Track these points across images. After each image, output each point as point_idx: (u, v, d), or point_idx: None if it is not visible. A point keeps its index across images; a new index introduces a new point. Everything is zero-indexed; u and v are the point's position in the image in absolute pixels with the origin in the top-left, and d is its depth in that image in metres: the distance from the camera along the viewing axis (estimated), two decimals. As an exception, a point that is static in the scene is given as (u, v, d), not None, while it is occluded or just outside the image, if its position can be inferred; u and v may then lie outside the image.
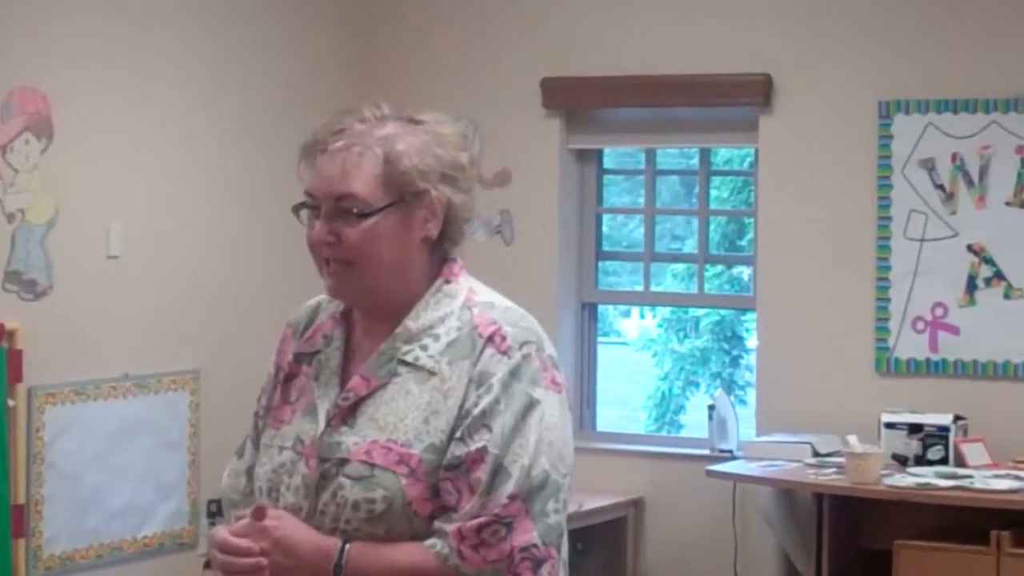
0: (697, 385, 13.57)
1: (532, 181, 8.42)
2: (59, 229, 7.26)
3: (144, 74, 7.67)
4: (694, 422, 11.65)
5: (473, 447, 2.99)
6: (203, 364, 7.91)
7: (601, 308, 9.25)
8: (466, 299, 3.15)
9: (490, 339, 3.07)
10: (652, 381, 13.94)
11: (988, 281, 7.64)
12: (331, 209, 3.09)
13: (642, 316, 14.71)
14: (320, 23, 8.75)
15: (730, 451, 7.88)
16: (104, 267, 7.47)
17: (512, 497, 2.97)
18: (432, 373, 3.07)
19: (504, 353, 3.05)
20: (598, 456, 8.32)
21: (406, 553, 3.00)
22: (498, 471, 2.98)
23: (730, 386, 10.18)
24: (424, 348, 3.09)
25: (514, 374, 3.04)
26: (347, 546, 3.02)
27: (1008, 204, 7.58)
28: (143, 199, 7.74)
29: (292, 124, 7.57)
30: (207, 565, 7.94)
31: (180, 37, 7.90)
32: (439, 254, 3.17)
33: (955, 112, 7.64)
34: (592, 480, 7.90)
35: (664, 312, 13.82)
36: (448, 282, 3.16)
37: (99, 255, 7.45)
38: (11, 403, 6.92)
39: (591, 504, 7.92)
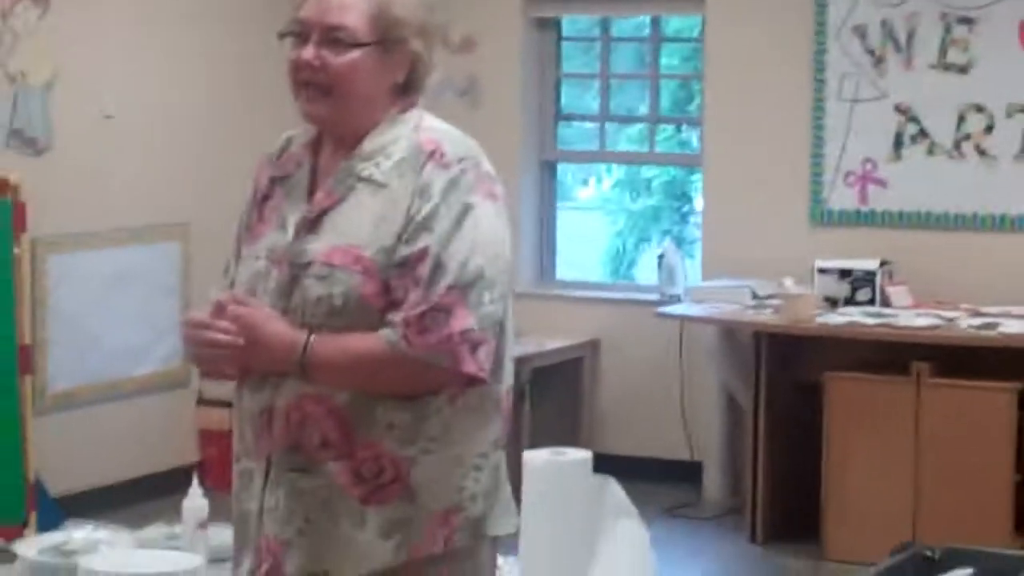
0: (649, 241, 13.11)
1: (496, 48, 8.40)
2: (57, 90, 7.39)
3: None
4: (645, 275, 11.47)
5: (416, 247, 3.07)
6: (193, 216, 8.00)
7: (561, 175, 9.37)
8: (416, 124, 3.21)
9: (431, 155, 3.14)
10: (608, 241, 13.73)
11: (913, 139, 7.85)
12: (321, 37, 3.14)
13: (599, 181, 14.22)
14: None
15: (677, 296, 8.05)
16: (100, 126, 7.60)
17: (450, 288, 3.06)
18: (383, 186, 3.16)
19: (444, 167, 3.13)
20: (557, 302, 8.63)
21: (361, 340, 3.09)
22: (437, 266, 3.07)
23: (679, 242, 10.07)
24: (377, 165, 3.17)
25: (453, 183, 3.12)
26: (312, 336, 3.10)
27: (932, 67, 7.80)
28: (135, 63, 7.81)
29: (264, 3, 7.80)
30: (200, 402, 8.10)
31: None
32: (403, 100, 3.25)
33: (886, -16, 7.84)
34: (552, 323, 8.38)
35: (619, 174, 13.49)
36: (403, 112, 3.22)
37: (95, 115, 7.57)
38: (16, 252, 6.99)
39: (551, 345, 8.20)
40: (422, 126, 3.19)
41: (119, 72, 7.71)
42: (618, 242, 13.53)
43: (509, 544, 3.36)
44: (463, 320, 3.06)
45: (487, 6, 8.48)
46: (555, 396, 8.39)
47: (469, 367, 3.07)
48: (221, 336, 3.11)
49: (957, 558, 3.67)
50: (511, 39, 8.56)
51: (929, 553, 3.68)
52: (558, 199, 9.19)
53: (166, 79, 7.98)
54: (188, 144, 8.08)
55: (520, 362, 7.55)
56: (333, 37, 3.11)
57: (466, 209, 3.09)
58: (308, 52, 3.11)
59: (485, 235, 3.11)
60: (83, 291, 7.56)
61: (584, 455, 3.50)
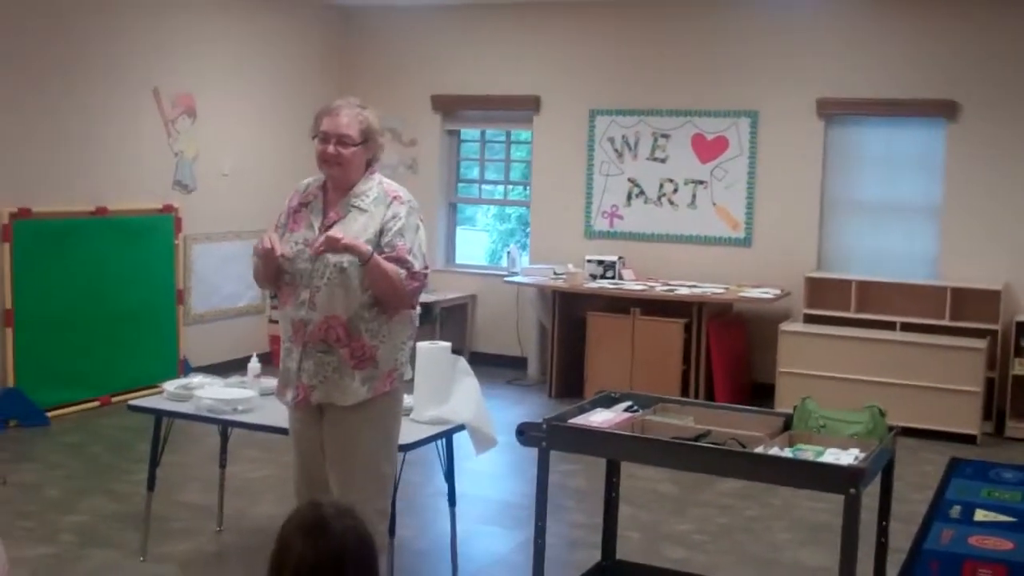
0: (507, 245, 11.76)
1: (428, 144, 8.72)
2: (200, 160, 7.74)
3: (240, 82, 8.05)
4: (502, 262, 9.47)
5: (399, 242, 3.12)
6: (267, 226, 6.50)
7: (460, 210, 9.35)
8: (380, 180, 3.22)
9: (396, 198, 3.18)
10: (486, 245, 13.30)
11: (637, 195, 8.13)
12: (336, 140, 3.15)
13: (482, 215, 13.66)
14: (319, 56, 8.73)
15: (517, 272, 8.25)
16: (220, 179, 7.97)
17: (418, 269, 3.14)
18: (366, 211, 3.15)
19: (403, 204, 3.18)
20: (457, 274, 8.78)
21: (393, 268, 3.10)
22: (413, 257, 3.14)
23: (522, 245, 9.45)
24: (362, 200, 3.16)
25: (410, 212, 3.17)
26: (375, 254, 3.08)
27: (647, 159, 8.09)
28: (239, 146, 8.10)
29: (305, 106, 7.84)
30: (270, 321, 8.05)
31: (258, 68, 8.22)
32: (370, 167, 3.24)
33: (624, 115, 8.12)
34: (453, 284, 8.64)
35: (492, 210, 13.19)
36: (372, 174, 3.23)
37: (217, 173, 7.94)
38: (177, 242, 7.41)
39: (452, 295, 8.45)
40: (384, 182, 3.24)
41: (230, 151, 8.01)
42: (491, 246, 13.32)
43: (408, 386, 3.43)
44: (420, 282, 3.17)
45: (423, 124, 8.72)
46: (454, 321, 8.56)
47: (415, 303, 3.23)
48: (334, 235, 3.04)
49: (627, 397, 3.71)
50: (435, 140, 8.75)
51: (613, 395, 3.73)
52: (458, 223, 9.23)
53: (253, 153, 8.22)
54: (264, 184, 8.23)
55: (437, 304, 8.15)
56: (341, 140, 3.16)
57: (417, 226, 3.20)
58: (331, 148, 3.17)
59: (425, 241, 3.22)
60: (209, 262, 7.77)
61: (446, 344, 3.88)
